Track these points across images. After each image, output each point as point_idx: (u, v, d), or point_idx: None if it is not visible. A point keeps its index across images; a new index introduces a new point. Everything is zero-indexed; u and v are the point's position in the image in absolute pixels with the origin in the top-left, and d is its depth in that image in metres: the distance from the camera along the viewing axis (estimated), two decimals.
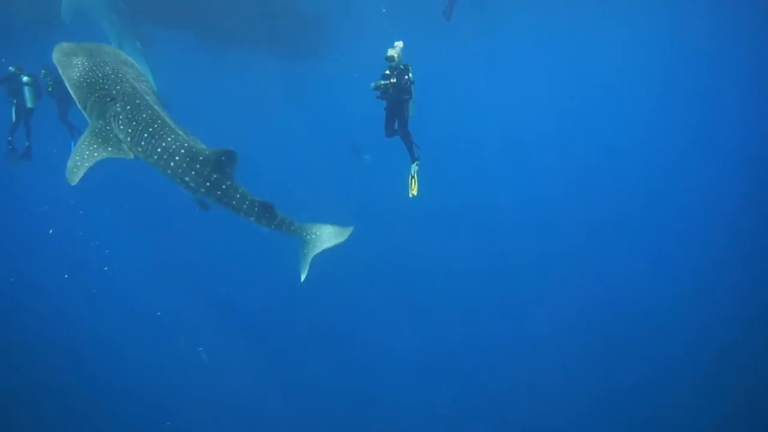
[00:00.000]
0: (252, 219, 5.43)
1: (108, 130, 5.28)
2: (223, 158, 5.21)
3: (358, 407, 16.67)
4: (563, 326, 18.56)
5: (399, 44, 7.85)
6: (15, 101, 11.47)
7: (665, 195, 23.19)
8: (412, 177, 8.45)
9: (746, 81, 22.98)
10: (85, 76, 5.41)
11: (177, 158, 5.14)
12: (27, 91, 11.39)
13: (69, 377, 15.69)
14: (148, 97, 5.49)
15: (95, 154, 5.14)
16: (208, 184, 5.20)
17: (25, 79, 11.33)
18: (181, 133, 5.36)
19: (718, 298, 18.69)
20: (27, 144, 12.02)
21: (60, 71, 5.60)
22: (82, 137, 5.28)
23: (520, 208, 23.28)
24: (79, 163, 5.08)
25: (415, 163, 8.47)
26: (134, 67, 5.96)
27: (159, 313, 17.60)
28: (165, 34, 17.68)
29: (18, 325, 16.23)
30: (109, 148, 5.22)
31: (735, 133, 23.50)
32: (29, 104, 11.41)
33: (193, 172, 5.16)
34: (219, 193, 5.24)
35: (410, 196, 8.50)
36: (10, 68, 11.45)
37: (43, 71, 11.12)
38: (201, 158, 5.19)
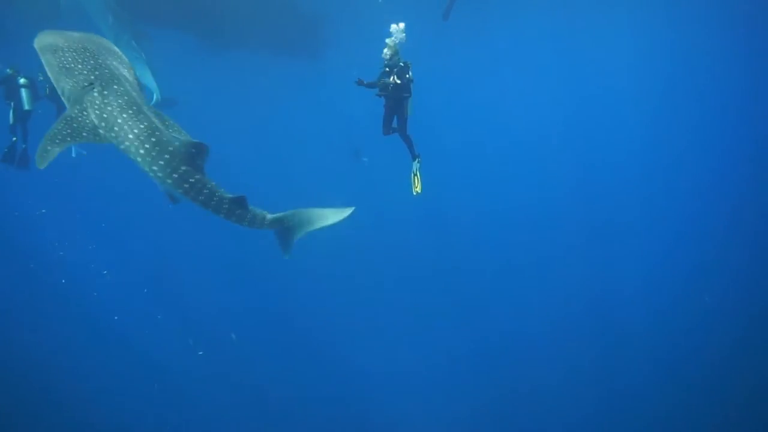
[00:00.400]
0: (221, 215, 5.26)
1: (84, 115, 5.26)
2: (193, 150, 5.12)
3: (354, 408, 16.63)
4: (563, 327, 18.51)
5: (395, 28, 7.76)
6: (12, 103, 11.41)
7: (664, 196, 23.12)
8: (415, 175, 8.43)
9: (746, 82, 22.89)
10: (64, 62, 5.42)
11: (147, 146, 5.07)
12: (24, 94, 11.33)
13: (67, 381, 15.69)
14: (127, 84, 5.48)
15: (68, 138, 5.12)
16: (175, 175, 5.08)
17: (22, 81, 11.27)
18: (156, 121, 5.30)
19: (717, 300, 18.62)
20: (24, 146, 11.94)
21: (40, 57, 5.60)
22: (57, 121, 5.25)
23: (519, 208, 23.22)
24: (49, 148, 5.03)
25: (417, 161, 8.44)
26: (117, 55, 5.94)
27: (159, 317, 17.59)
28: (164, 34, 17.65)
29: (17, 328, 16.23)
30: (84, 134, 5.18)
31: (735, 133, 23.42)
32: (26, 106, 11.35)
33: (161, 162, 5.05)
34: (186, 186, 5.10)
35: (414, 193, 8.47)
36: (7, 70, 11.42)
37: (40, 74, 11.02)
38: (171, 148, 5.11)
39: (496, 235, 22.08)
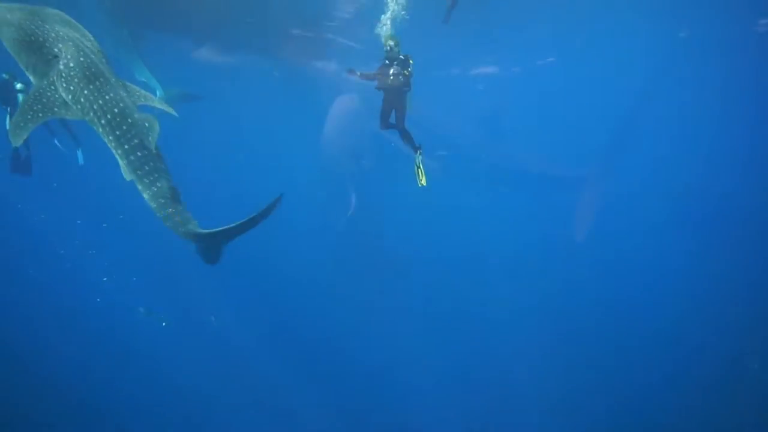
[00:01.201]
0: (146, 194, 5.15)
1: (53, 89, 5.32)
2: (146, 125, 5.19)
3: (348, 411, 16.60)
4: (566, 329, 18.46)
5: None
6: (9, 108, 11.42)
7: (668, 197, 23.04)
8: (418, 167, 8.45)
9: (746, 84, 22.82)
10: (25, 36, 5.40)
11: (108, 116, 5.15)
12: (21, 99, 11.33)
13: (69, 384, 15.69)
14: (93, 56, 5.48)
15: (40, 114, 5.21)
16: (126, 146, 5.14)
17: (18, 86, 11.31)
18: (121, 93, 5.35)
19: (717, 304, 18.55)
20: (26, 152, 11.95)
21: None
22: (26, 97, 5.33)
23: (519, 209, 23.18)
24: (22, 124, 5.11)
25: (419, 153, 8.46)
26: (79, 29, 5.94)
27: (163, 324, 17.59)
28: (164, 37, 17.62)
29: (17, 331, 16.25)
30: (55, 109, 5.28)
31: (738, 135, 23.35)
32: None
33: (117, 132, 5.14)
34: (132, 158, 5.14)
35: (420, 186, 8.52)
36: (4, 75, 11.46)
37: None
38: (129, 120, 5.19)
39: (496, 236, 22.07)
